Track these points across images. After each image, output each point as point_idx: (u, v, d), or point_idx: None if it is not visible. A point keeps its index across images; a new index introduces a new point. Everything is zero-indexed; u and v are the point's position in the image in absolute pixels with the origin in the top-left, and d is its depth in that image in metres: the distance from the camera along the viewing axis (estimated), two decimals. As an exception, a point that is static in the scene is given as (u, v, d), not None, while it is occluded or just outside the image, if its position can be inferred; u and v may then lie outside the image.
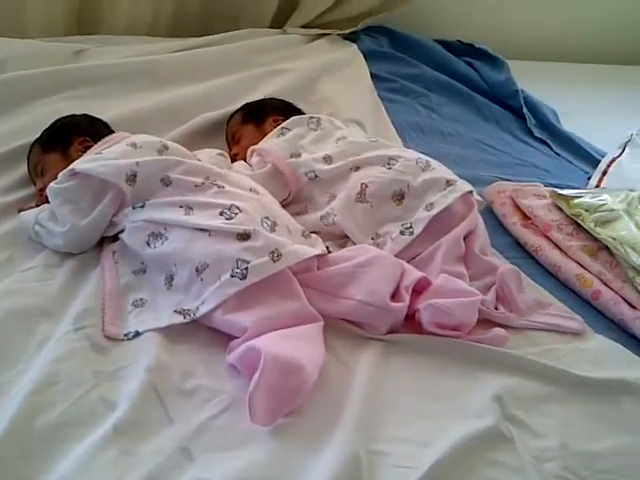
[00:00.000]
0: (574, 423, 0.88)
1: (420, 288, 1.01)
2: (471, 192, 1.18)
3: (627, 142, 1.69)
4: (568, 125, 1.74)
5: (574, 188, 1.38)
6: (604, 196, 1.28)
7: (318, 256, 1.04)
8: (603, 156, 1.61)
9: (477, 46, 1.97)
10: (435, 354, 0.95)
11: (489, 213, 1.33)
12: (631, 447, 0.86)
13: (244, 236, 0.98)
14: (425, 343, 0.96)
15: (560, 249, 1.21)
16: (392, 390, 0.89)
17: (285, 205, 1.21)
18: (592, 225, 1.21)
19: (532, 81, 1.86)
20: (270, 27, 1.97)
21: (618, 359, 0.99)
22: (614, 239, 1.16)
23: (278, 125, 1.32)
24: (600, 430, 0.87)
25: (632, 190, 1.30)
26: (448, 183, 1.17)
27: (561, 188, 1.36)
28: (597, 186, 1.48)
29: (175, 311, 0.96)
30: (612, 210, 1.22)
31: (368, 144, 1.27)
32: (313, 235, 1.10)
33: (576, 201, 1.26)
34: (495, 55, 1.92)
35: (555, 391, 0.91)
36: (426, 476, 0.76)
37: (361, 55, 1.89)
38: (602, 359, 0.98)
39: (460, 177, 1.29)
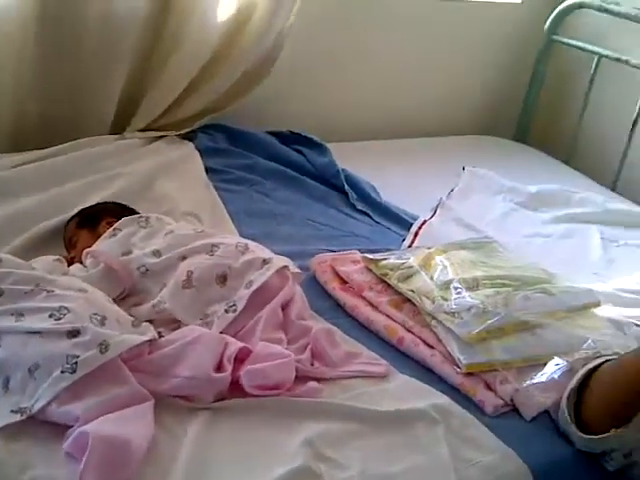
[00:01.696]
0: (375, 452, 1.02)
1: (243, 357, 1.13)
2: (286, 267, 1.33)
3: (438, 205, 1.92)
4: (387, 196, 1.96)
5: (390, 251, 1.56)
6: (407, 255, 1.47)
7: (149, 341, 1.14)
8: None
9: (304, 135, 2.18)
10: (257, 413, 1.07)
11: (314, 281, 1.49)
12: (422, 464, 1.01)
13: (73, 333, 1.08)
14: (248, 405, 1.08)
15: (372, 305, 1.38)
16: (217, 451, 1.00)
17: (123, 299, 1.32)
18: (396, 282, 1.38)
19: (355, 160, 2.09)
20: (110, 133, 2.09)
21: (415, 392, 1.15)
22: (413, 291, 1.35)
23: (111, 227, 1.44)
24: (398, 455, 1.02)
25: (429, 248, 1.49)
26: (265, 262, 1.32)
27: (379, 252, 1.54)
28: (409, 246, 1.68)
29: (12, 411, 1.03)
30: (411, 267, 1.41)
31: (194, 235, 1.40)
32: (144, 324, 1.20)
33: (383, 262, 1.44)
34: (319, 142, 2.14)
35: (361, 428, 1.06)
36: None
37: (197, 152, 2.04)
38: (403, 395, 1.13)
39: (290, 252, 1.46)
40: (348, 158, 2.08)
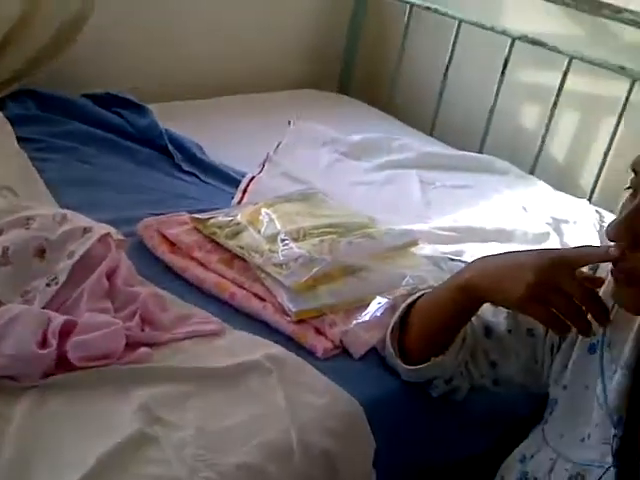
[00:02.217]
0: (212, 409, 1.04)
1: (69, 330, 1.11)
2: (108, 234, 1.31)
3: (265, 160, 1.96)
4: (214, 155, 1.96)
5: (219, 209, 1.57)
6: (234, 212, 1.49)
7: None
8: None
9: (122, 96, 2.12)
10: (88, 385, 1.05)
11: (142, 247, 1.47)
12: (259, 413, 1.05)
13: None
14: (78, 378, 1.06)
15: (203, 265, 1.38)
16: (48, 428, 0.98)
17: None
18: (224, 239, 1.40)
19: (179, 120, 2.06)
20: None
21: (249, 346, 1.18)
22: (242, 247, 1.37)
23: None
24: (234, 408, 1.05)
25: (256, 203, 1.52)
26: (85, 231, 1.28)
27: (208, 212, 1.54)
28: (239, 203, 1.70)
29: None
30: (239, 223, 1.43)
31: (6, 209, 1.33)
32: (-41, 308, 1.14)
33: (211, 221, 1.46)
34: (138, 103, 2.09)
35: (196, 387, 1.07)
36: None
37: (6, 121, 1.93)
38: (236, 349, 1.16)
39: (116, 220, 1.43)
40: (171, 118, 2.05)
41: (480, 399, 1.24)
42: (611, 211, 2.06)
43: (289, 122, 2.22)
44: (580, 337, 1.00)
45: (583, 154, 2.28)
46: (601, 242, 1.78)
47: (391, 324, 1.18)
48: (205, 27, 2.38)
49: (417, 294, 1.19)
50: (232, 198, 1.75)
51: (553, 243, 1.76)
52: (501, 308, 1.11)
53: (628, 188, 0.87)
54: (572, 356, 1.01)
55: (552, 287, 0.90)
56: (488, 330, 1.13)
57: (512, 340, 1.09)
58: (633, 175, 0.86)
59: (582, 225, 1.90)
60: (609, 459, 0.90)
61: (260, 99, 2.41)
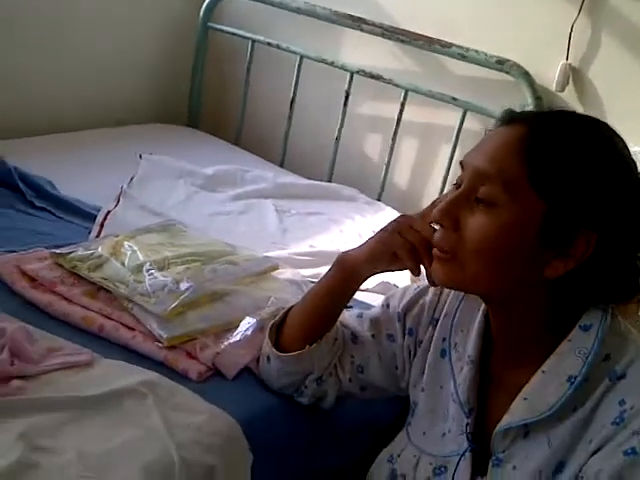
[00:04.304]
0: (90, 434, 1.10)
1: None
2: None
3: (120, 194, 2.01)
4: (67, 190, 1.98)
5: (76, 244, 1.61)
6: (94, 246, 1.54)
7: None
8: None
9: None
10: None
11: (1, 284, 1.48)
12: (138, 435, 1.12)
13: None
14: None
15: (67, 299, 1.42)
16: None
17: None
18: (87, 272, 1.45)
19: (28, 157, 2.07)
20: None
21: (122, 373, 1.24)
22: (106, 279, 1.43)
23: None
24: (113, 432, 1.11)
25: (117, 236, 1.58)
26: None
27: (66, 246, 1.58)
28: (97, 237, 1.74)
29: None
30: (100, 256, 1.49)
31: None
32: None
33: (71, 255, 1.50)
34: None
35: (72, 415, 1.13)
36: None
37: None
38: (109, 377, 1.22)
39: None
40: (20, 155, 2.06)
41: (347, 409, 1.37)
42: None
43: (140, 156, 2.28)
44: (433, 344, 1.16)
45: (424, 179, 2.51)
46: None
47: (270, 323, 1.29)
48: (53, 64, 2.41)
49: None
50: (87, 232, 1.79)
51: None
52: (365, 317, 1.27)
53: (454, 184, 1.03)
54: (427, 360, 1.17)
55: (408, 226, 1.11)
56: (355, 336, 1.28)
57: (375, 344, 1.25)
58: (461, 171, 1.02)
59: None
60: (465, 446, 1.06)
61: (111, 134, 2.46)
